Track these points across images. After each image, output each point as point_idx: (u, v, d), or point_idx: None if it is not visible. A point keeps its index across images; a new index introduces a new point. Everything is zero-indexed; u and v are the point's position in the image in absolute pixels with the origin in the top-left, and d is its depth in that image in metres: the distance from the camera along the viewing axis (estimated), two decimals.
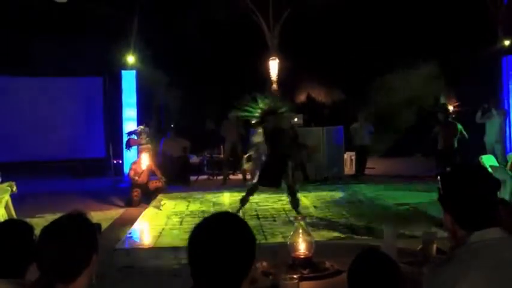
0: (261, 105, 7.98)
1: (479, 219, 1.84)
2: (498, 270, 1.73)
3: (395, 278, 1.98)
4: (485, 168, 2.04)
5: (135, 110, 14.60)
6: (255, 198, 9.19)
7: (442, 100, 12.13)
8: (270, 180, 8.18)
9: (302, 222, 3.17)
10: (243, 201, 8.20)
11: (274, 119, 8.05)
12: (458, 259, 1.80)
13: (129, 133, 12.20)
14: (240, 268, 1.67)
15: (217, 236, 1.67)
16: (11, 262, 2.25)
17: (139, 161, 11.13)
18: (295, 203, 8.05)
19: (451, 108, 11.84)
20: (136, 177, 10.76)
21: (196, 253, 1.66)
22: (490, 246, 1.78)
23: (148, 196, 10.68)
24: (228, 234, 1.67)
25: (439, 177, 1.97)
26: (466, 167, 2.01)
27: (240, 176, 13.68)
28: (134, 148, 11.98)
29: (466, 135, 10.71)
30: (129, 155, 12.97)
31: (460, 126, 10.68)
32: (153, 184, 11.05)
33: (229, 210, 8.77)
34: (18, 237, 2.31)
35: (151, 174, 11.24)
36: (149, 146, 11.45)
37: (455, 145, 10.33)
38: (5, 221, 2.79)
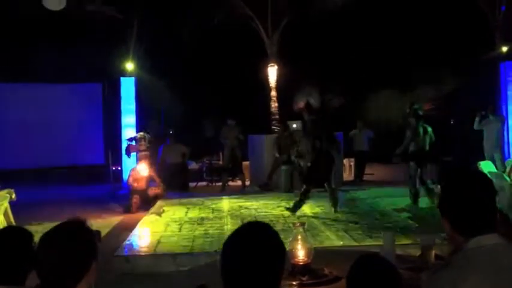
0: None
1: (476, 224, 1.84)
2: (496, 276, 1.74)
3: (395, 284, 1.98)
4: (483, 173, 2.04)
5: (134, 116, 14.62)
6: (253, 204, 9.21)
7: (416, 105, 12.20)
8: (319, 180, 8.55)
9: (301, 229, 3.17)
10: (297, 207, 8.75)
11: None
12: (456, 265, 1.81)
13: (129, 139, 12.21)
14: (274, 278, 1.69)
15: (253, 246, 1.68)
16: (11, 269, 2.26)
17: (138, 167, 11.14)
18: (335, 201, 8.89)
19: (422, 112, 11.83)
20: (135, 184, 10.76)
21: (232, 264, 1.67)
22: (487, 252, 1.78)
23: (147, 203, 10.68)
24: (262, 245, 1.69)
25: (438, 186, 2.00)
26: (464, 172, 2.02)
27: (239, 183, 13.69)
28: (133, 155, 11.98)
29: (433, 138, 10.83)
30: (128, 162, 12.97)
31: (429, 129, 10.78)
32: (152, 191, 11.05)
33: (229, 217, 8.80)
34: (18, 244, 2.31)
35: (150, 180, 11.24)
36: (148, 152, 11.45)
37: (427, 147, 10.45)
38: (5, 228, 2.79)
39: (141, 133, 12.14)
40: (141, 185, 10.89)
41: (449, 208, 1.92)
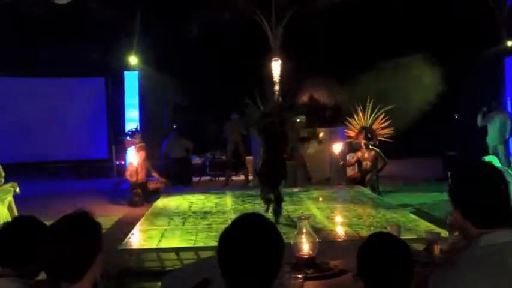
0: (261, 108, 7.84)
1: (490, 214, 1.78)
2: (506, 278, 1.69)
3: (406, 259, 1.95)
4: (495, 166, 2.01)
5: (138, 111, 14.62)
6: (256, 199, 9.19)
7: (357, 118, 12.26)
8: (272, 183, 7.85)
9: (306, 222, 3.17)
10: (277, 212, 7.55)
11: (275, 121, 7.71)
12: (466, 264, 1.76)
13: (125, 134, 12.29)
14: (273, 268, 1.68)
15: (250, 237, 1.67)
16: (23, 258, 2.23)
17: (131, 159, 11.29)
18: (278, 212, 7.51)
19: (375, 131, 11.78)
20: (132, 178, 10.85)
21: (230, 255, 1.67)
22: (499, 252, 1.73)
23: (147, 196, 10.73)
24: (260, 235, 1.68)
25: (449, 173, 1.94)
26: (477, 163, 2.01)
27: (242, 177, 13.69)
28: (131, 149, 12.02)
29: (386, 160, 10.92)
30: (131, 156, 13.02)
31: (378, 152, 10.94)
32: (153, 185, 11.11)
33: (232, 211, 8.81)
34: (31, 233, 2.27)
35: (149, 175, 11.31)
36: (143, 144, 11.50)
37: (374, 178, 10.68)
38: (17, 217, 2.75)
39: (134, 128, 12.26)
40: (140, 178, 10.95)
41: (461, 198, 1.85)
